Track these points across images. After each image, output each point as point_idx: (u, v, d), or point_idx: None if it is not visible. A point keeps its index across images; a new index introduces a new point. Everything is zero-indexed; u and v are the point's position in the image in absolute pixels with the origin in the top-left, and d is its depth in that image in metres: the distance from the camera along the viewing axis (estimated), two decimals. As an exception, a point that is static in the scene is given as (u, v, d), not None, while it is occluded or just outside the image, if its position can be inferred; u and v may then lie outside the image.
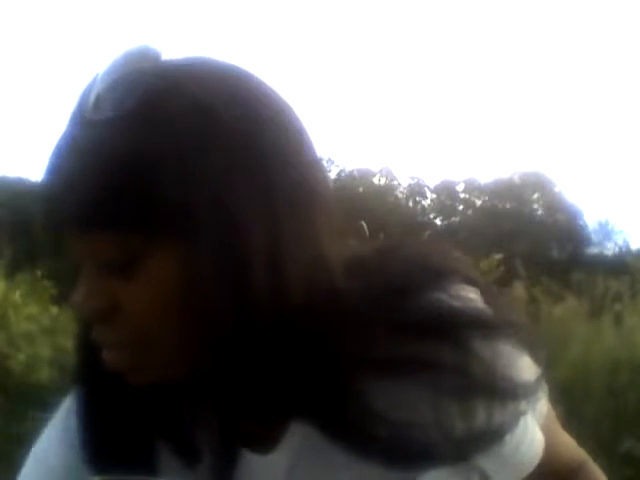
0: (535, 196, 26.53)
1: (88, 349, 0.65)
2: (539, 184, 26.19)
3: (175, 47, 0.66)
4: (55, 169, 0.61)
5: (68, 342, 4.68)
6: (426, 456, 0.63)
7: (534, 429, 0.72)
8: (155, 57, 0.63)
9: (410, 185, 26.81)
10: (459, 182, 27.62)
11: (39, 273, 5.61)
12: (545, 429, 0.74)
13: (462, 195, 27.62)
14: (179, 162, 0.57)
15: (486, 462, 0.69)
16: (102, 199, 0.57)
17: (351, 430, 0.62)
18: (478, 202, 27.29)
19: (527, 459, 0.71)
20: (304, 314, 0.60)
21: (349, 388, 0.62)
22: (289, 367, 0.61)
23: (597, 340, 4.01)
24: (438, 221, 26.15)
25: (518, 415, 0.66)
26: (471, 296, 0.67)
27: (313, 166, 0.65)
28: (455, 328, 0.64)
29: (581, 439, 0.85)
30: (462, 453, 0.65)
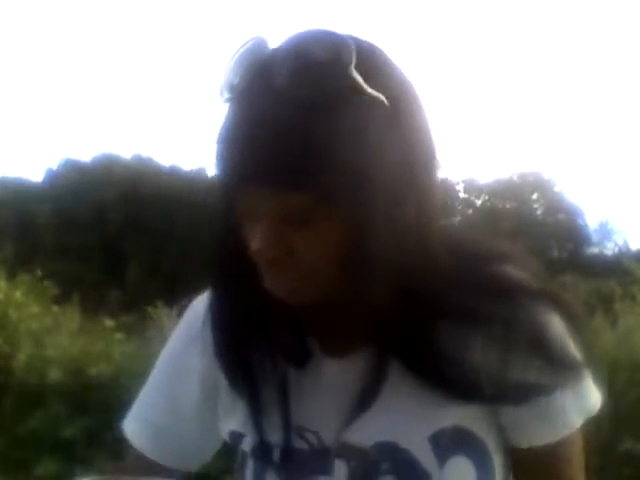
0: (535, 196, 26.51)
1: (234, 276, 0.81)
2: (539, 184, 26.18)
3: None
4: (247, 135, 0.70)
5: (70, 342, 4.69)
6: (472, 392, 0.77)
7: (569, 412, 0.80)
8: (340, 46, 0.70)
9: (410, 185, 26.68)
10: (459, 182, 27.61)
11: (40, 273, 5.62)
12: (573, 446, 0.82)
13: (462, 195, 27.61)
14: (355, 146, 0.70)
15: (510, 415, 0.80)
16: (296, 167, 0.69)
17: (423, 362, 0.77)
18: (478, 202, 27.29)
19: (549, 432, 0.81)
20: (408, 267, 0.74)
21: (427, 328, 0.77)
22: (392, 304, 0.75)
23: (595, 340, 4.02)
24: (438, 221, 26.04)
25: (555, 383, 0.77)
26: (531, 277, 0.81)
27: (437, 147, 0.79)
28: (517, 294, 0.78)
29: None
30: (499, 396, 0.77)
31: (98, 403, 4.15)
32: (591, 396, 0.82)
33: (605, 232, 24.00)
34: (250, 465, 0.85)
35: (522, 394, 0.77)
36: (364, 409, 0.79)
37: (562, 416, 0.80)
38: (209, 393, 0.90)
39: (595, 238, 24.63)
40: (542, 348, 0.77)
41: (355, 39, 0.73)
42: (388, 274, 0.73)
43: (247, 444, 0.85)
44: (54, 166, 26.12)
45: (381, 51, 0.76)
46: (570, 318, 0.80)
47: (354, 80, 0.69)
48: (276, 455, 0.83)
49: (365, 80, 0.70)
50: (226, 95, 0.74)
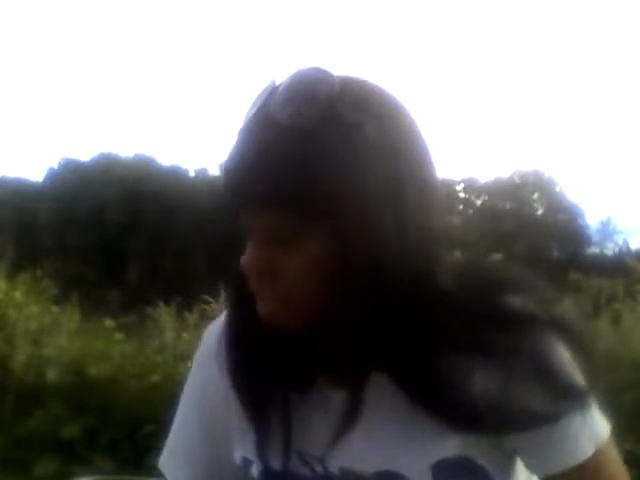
0: (535, 196, 26.50)
1: (242, 299, 0.83)
2: (539, 184, 26.17)
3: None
4: (240, 158, 0.77)
5: (69, 341, 4.69)
6: (472, 422, 0.77)
7: (578, 439, 0.79)
8: (328, 76, 0.77)
9: (410, 185, 26.69)
10: (459, 182, 27.59)
11: (40, 272, 5.61)
12: (600, 461, 0.81)
13: (462, 195, 27.60)
14: (335, 167, 0.73)
15: (518, 444, 0.81)
16: (279, 188, 0.74)
17: (424, 389, 0.78)
18: (478, 202, 27.28)
19: (561, 459, 0.80)
20: (408, 295, 0.76)
21: (430, 356, 0.77)
22: (392, 330, 0.77)
23: (596, 340, 4.01)
24: (438, 221, 26.04)
25: (560, 412, 0.77)
26: (538, 304, 0.82)
27: (434, 170, 0.81)
28: (521, 323, 0.79)
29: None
30: (503, 426, 0.78)
31: (98, 403, 4.15)
32: (599, 423, 0.82)
33: (606, 232, 23.98)
34: None
35: (525, 423, 0.77)
36: (346, 431, 0.80)
37: (571, 444, 0.80)
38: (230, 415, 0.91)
39: (596, 238, 24.60)
40: (546, 378, 0.78)
41: (343, 76, 0.78)
42: (367, 294, 0.75)
43: (255, 470, 0.86)
44: (54, 166, 26.10)
45: (369, 83, 0.81)
46: (576, 345, 0.80)
47: (334, 109, 0.74)
48: None
49: (349, 109, 0.75)
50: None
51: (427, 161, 0.80)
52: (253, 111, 0.79)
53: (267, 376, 0.85)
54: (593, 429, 0.81)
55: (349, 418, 0.79)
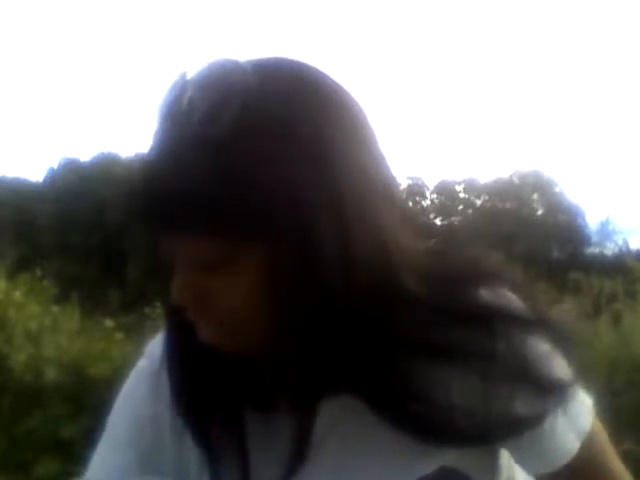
0: (535, 196, 26.51)
1: (181, 322, 0.74)
2: (539, 184, 26.18)
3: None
4: (152, 174, 0.67)
5: (69, 342, 4.69)
6: (453, 437, 0.71)
7: (565, 436, 0.75)
8: (240, 71, 0.67)
9: (409, 185, 26.84)
10: (459, 182, 27.60)
11: (40, 272, 5.61)
12: (590, 452, 0.76)
13: (462, 195, 27.61)
14: (263, 179, 0.64)
15: (507, 449, 0.77)
16: (199, 209, 0.65)
17: (393, 405, 0.71)
18: (478, 202, 27.29)
19: (546, 462, 0.76)
20: (367, 302, 0.68)
21: (397, 368, 0.71)
22: (349, 347, 0.69)
23: (595, 340, 4.01)
24: (438, 221, 26.14)
25: (544, 412, 0.72)
26: (512, 297, 0.75)
27: (380, 165, 0.72)
28: (494, 321, 0.72)
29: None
30: (485, 437, 0.72)
31: (97, 403, 4.14)
32: (583, 414, 0.77)
33: (606, 232, 24.00)
34: None
35: (507, 431, 0.72)
36: (297, 463, 0.72)
37: (559, 443, 0.75)
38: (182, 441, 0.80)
39: (596, 238, 24.62)
40: (526, 378, 0.72)
41: (262, 64, 0.69)
42: (313, 316, 0.67)
43: None
44: (54, 166, 26.12)
45: (295, 70, 0.71)
46: (556, 337, 0.74)
47: (254, 109, 0.65)
48: None
49: (272, 107, 0.66)
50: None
51: (372, 158, 0.71)
52: (163, 114, 0.68)
53: (218, 399, 0.77)
54: (576, 423, 0.76)
55: (298, 449, 0.72)
